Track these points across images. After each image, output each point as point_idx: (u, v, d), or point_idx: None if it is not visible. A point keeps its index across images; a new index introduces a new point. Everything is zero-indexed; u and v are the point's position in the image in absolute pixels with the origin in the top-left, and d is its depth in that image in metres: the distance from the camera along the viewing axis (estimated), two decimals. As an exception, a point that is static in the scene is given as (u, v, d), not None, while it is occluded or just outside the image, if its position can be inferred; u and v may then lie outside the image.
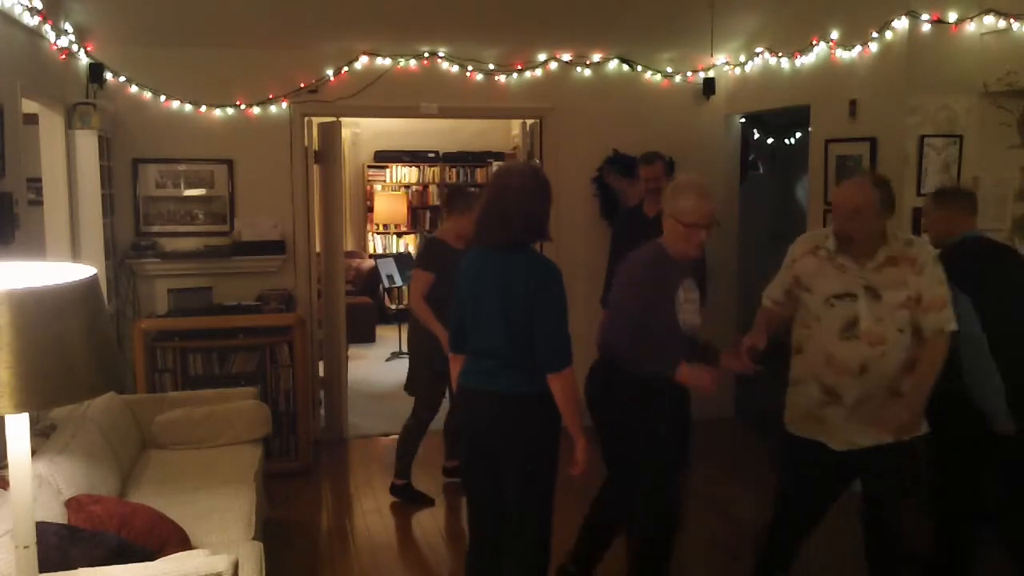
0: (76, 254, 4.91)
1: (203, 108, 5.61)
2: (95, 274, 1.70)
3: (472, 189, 6.04)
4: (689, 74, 6.24)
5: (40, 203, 4.83)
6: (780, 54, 5.67)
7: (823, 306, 3.09)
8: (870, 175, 3.33)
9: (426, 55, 5.84)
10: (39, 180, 4.82)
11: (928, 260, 3.04)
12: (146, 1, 5.16)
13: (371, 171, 10.78)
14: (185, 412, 4.40)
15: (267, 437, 4.58)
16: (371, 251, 10.71)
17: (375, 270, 9.42)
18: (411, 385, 4.94)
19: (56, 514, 2.78)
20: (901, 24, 4.67)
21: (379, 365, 8.24)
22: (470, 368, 3.04)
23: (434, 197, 10.96)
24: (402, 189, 10.86)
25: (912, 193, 4.66)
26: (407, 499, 4.90)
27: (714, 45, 5.92)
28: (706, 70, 6.24)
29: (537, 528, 3.03)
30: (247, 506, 3.60)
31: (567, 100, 6.09)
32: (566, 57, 6.05)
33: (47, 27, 4.54)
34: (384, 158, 10.79)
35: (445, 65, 5.88)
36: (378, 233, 10.87)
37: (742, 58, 6.11)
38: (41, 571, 1.77)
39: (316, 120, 6.08)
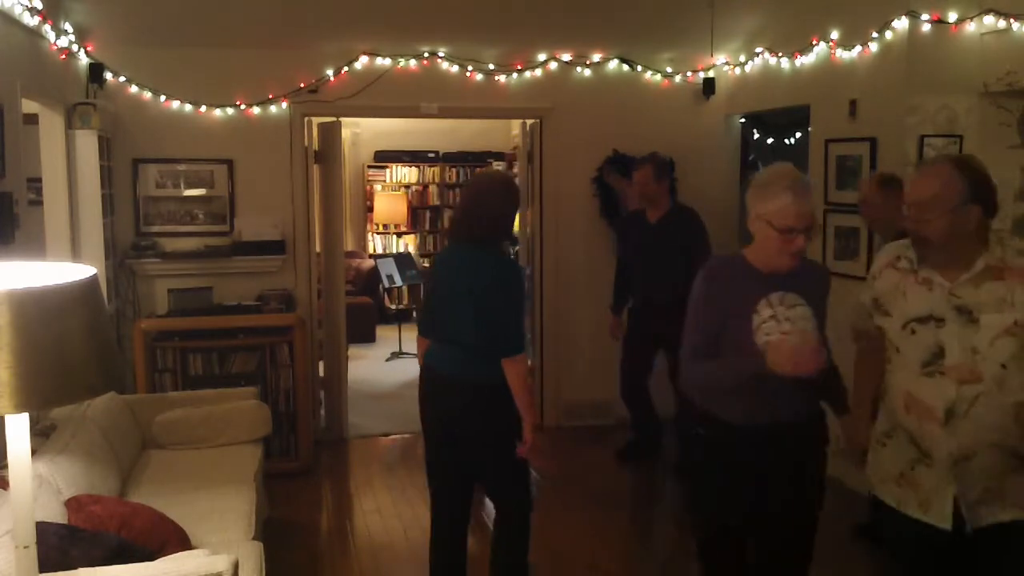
0: (76, 254, 4.91)
1: (203, 108, 5.61)
2: (95, 274, 1.69)
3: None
4: (689, 74, 6.24)
5: (40, 203, 4.83)
6: (780, 54, 5.67)
7: (902, 333, 2.42)
8: (953, 158, 2.65)
9: (426, 55, 5.84)
10: (39, 180, 4.82)
11: None
12: (146, 1, 5.16)
13: (371, 171, 10.78)
14: (185, 412, 4.40)
15: (267, 437, 4.58)
16: (371, 251, 10.71)
17: (375, 270, 9.42)
18: None
19: (56, 514, 2.78)
20: (901, 24, 4.67)
21: (379, 365, 8.24)
22: (439, 354, 3.34)
23: (434, 197, 10.96)
24: (402, 189, 10.86)
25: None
26: None
27: (714, 45, 5.92)
28: (706, 70, 6.24)
29: (523, 512, 3.36)
30: (247, 506, 3.60)
31: (567, 100, 6.09)
32: (566, 57, 6.05)
33: (47, 27, 4.54)
34: (384, 158, 10.79)
35: (445, 65, 5.88)
36: (378, 233, 10.87)
37: (742, 58, 6.11)
38: (41, 571, 1.77)
39: (316, 120, 6.08)
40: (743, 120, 6.76)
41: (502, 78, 6.00)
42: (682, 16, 5.74)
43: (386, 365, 8.26)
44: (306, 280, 5.89)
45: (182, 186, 5.68)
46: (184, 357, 5.21)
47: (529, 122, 6.35)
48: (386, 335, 9.18)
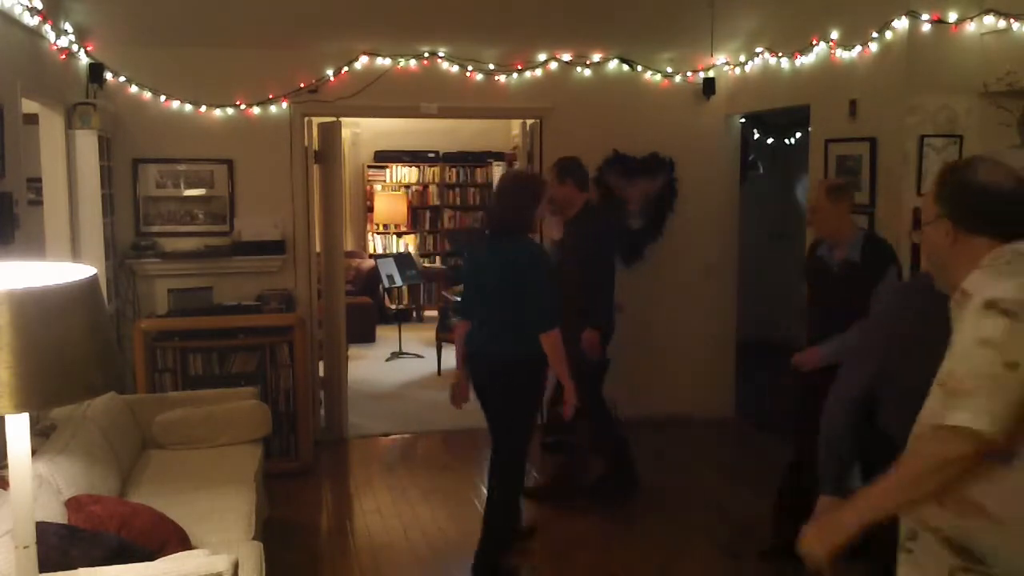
0: (76, 254, 4.91)
1: (203, 108, 5.60)
2: (95, 274, 1.70)
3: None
4: (689, 74, 6.24)
5: (40, 203, 4.83)
6: (780, 54, 5.67)
7: None
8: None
9: (426, 55, 5.84)
10: (39, 180, 4.82)
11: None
12: (146, 1, 5.16)
13: (371, 171, 10.78)
14: (185, 412, 4.40)
15: (267, 437, 4.58)
16: (371, 251, 10.71)
17: (375, 270, 9.42)
18: None
19: (56, 514, 2.78)
20: (901, 24, 4.67)
21: (379, 365, 8.24)
22: (479, 333, 3.84)
23: (434, 197, 10.97)
24: (402, 189, 10.86)
25: (912, 193, 4.66)
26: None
27: (714, 45, 5.92)
28: (706, 70, 6.24)
29: (520, 456, 3.91)
30: (247, 506, 3.60)
31: (567, 100, 6.09)
32: (566, 57, 6.05)
33: (47, 27, 4.54)
34: (384, 158, 10.79)
35: (445, 65, 5.88)
36: (378, 233, 10.87)
37: (742, 58, 6.11)
38: (41, 571, 1.77)
39: (316, 120, 6.08)
40: (743, 120, 6.77)
41: (502, 78, 6.00)
42: (682, 16, 5.74)
43: (386, 365, 8.26)
44: (306, 280, 5.89)
45: (182, 186, 5.68)
46: (184, 357, 5.21)
47: (529, 122, 6.35)
48: (386, 335, 9.18)
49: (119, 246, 5.51)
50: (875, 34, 4.82)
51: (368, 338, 9.04)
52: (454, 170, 10.92)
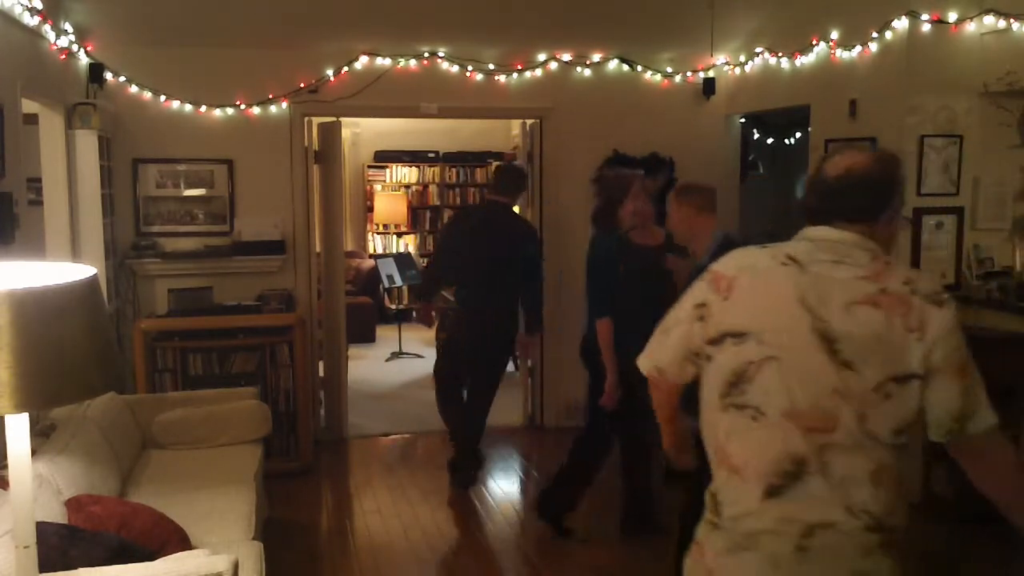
0: (76, 254, 4.91)
1: (203, 108, 5.60)
2: (95, 274, 1.70)
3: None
4: (689, 74, 6.24)
5: (40, 203, 4.82)
6: (780, 54, 5.67)
7: None
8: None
9: (426, 55, 5.84)
10: (39, 180, 4.82)
11: None
12: (146, 1, 5.16)
13: (371, 171, 10.78)
14: (185, 412, 4.40)
15: (267, 437, 4.58)
16: (371, 251, 10.71)
17: (375, 270, 9.42)
18: None
19: (56, 514, 2.78)
20: (901, 24, 4.67)
21: (379, 365, 8.24)
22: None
23: (434, 197, 10.97)
24: (402, 189, 10.86)
25: (912, 193, 4.66)
26: None
27: (714, 45, 5.92)
28: (706, 70, 6.24)
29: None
30: (247, 506, 3.60)
31: (567, 100, 6.09)
32: (566, 57, 6.05)
33: (47, 27, 4.54)
34: (384, 158, 10.79)
35: (445, 65, 5.88)
36: (378, 233, 10.87)
37: (742, 58, 6.11)
38: (41, 571, 1.77)
39: (316, 120, 6.08)
40: (743, 120, 6.76)
41: (502, 78, 6.00)
42: (682, 16, 5.74)
43: (386, 365, 8.26)
44: (306, 280, 5.89)
45: (182, 186, 5.67)
46: (184, 357, 5.21)
47: (529, 122, 6.35)
48: (386, 335, 9.18)
49: (119, 246, 5.51)
50: (875, 34, 4.82)
51: (368, 338, 9.04)
52: (454, 170, 10.91)
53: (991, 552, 4.20)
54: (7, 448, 1.69)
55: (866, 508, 1.74)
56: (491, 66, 5.96)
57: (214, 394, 4.63)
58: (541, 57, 6.02)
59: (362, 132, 10.61)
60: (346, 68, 5.75)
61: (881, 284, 1.76)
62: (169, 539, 2.96)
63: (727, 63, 6.23)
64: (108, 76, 5.42)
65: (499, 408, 5.92)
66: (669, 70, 6.22)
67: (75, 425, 3.57)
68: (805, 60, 5.45)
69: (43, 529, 2.36)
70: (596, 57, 6.09)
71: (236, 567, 2.49)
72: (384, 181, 10.82)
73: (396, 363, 8.33)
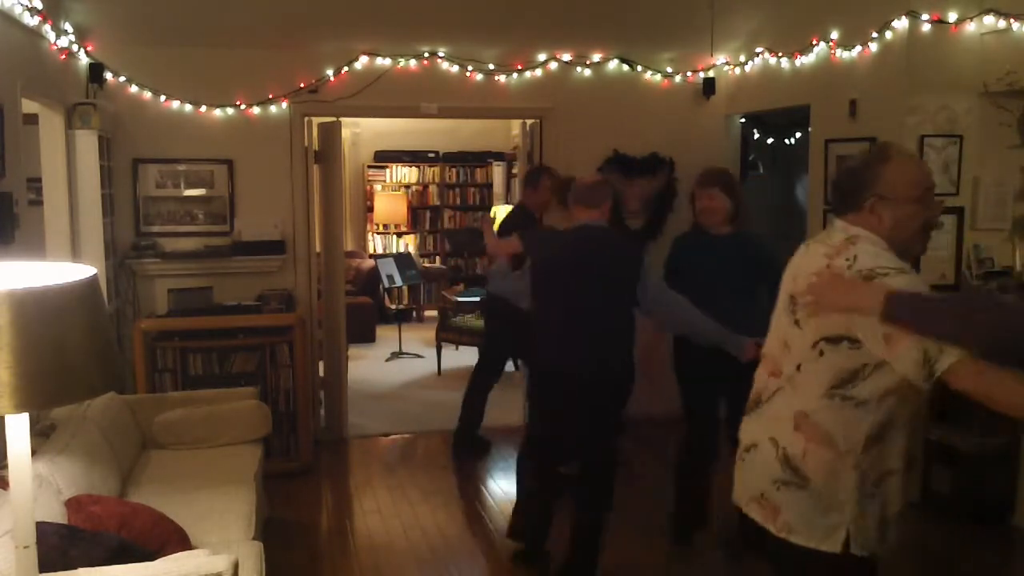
0: (76, 254, 4.91)
1: (203, 108, 5.60)
2: (95, 274, 1.70)
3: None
4: (689, 74, 6.24)
5: (40, 203, 4.82)
6: (780, 54, 5.67)
7: None
8: None
9: (426, 55, 5.84)
10: (39, 180, 4.82)
11: None
12: (146, 1, 5.16)
13: (371, 171, 10.78)
14: (185, 412, 4.40)
15: (267, 437, 4.58)
16: (371, 251, 10.71)
17: (375, 270, 9.42)
18: None
19: (56, 514, 2.78)
20: (901, 24, 4.67)
21: (379, 365, 8.24)
22: None
23: (434, 197, 10.97)
24: (402, 189, 10.86)
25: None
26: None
27: (714, 45, 5.92)
28: (706, 70, 6.24)
29: None
30: (247, 506, 3.60)
31: (567, 100, 6.09)
32: (566, 57, 6.05)
33: (47, 27, 4.54)
34: (384, 158, 10.79)
35: (445, 65, 5.88)
36: (378, 233, 10.87)
37: (742, 58, 6.11)
38: (41, 571, 1.77)
39: (316, 120, 6.08)
40: (743, 120, 6.76)
41: (502, 78, 6.00)
42: (682, 16, 5.74)
43: (386, 365, 8.26)
44: (306, 280, 5.89)
45: (182, 186, 5.67)
46: (184, 357, 5.21)
47: (529, 122, 6.35)
48: (386, 335, 9.18)
49: (119, 246, 5.51)
50: (875, 34, 4.82)
51: (368, 338, 9.04)
52: (454, 170, 10.92)
53: (991, 552, 4.20)
54: (7, 448, 1.69)
55: (783, 444, 2.13)
56: (491, 66, 5.96)
57: (214, 394, 4.63)
58: (541, 57, 6.02)
59: (362, 132, 10.62)
60: (346, 68, 5.75)
61: (831, 260, 2.07)
62: (169, 539, 2.96)
63: (727, 63, 6.23)
64: (108, 76, 5.42)
65: (499, 408, 5.93)
66: (669, 70, 6.22)
67: (75, 425, 3.57)
68: (805, 60, 5.44)
69: (43, 529, 2.36)
70: (596, 57, 6.09)
71: (236, 567, 2.49)
72: (384, 181, 10.82)
73: (396, 363, 8.33)
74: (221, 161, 5.69)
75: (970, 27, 4.64)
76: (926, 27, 4.62)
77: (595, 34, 5.93)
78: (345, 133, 9.13)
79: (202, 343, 5.21)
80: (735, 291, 3.96)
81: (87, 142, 4.96)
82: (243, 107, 5.65)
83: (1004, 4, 4.58)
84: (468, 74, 5.92)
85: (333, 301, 6.10)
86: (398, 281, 9.16)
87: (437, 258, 11.01)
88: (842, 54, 5.09)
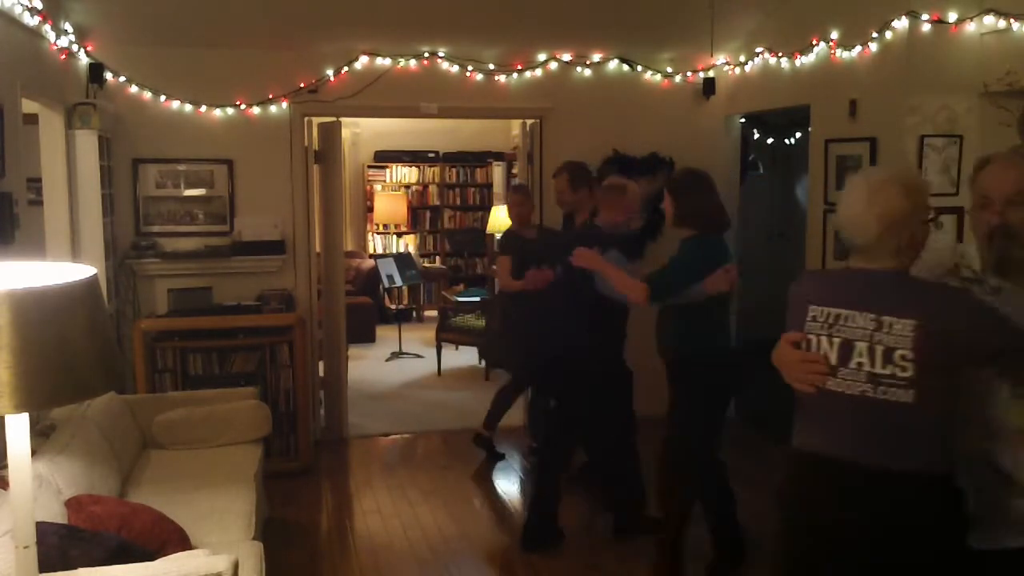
0: (76, 254, 4.91)
1: (203, 108, 5.60)
2: (95, 274, 1.70)
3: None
4: (689, 74, 6.24)
5: (40, 203, 4.82)
6: (780, 54, 5.67)
7: None
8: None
9: (426, 55, 5.84)
10: (39, 180, 4.82)
11: None
12: (146, 1, 5.16)
13: (371, 171, 10.78)
14: (185, 412, 4.40)
15: (267, 437, 4.58)
16: (371, 251, 10.71)
17: (375, 270, 9.42)
18: None
19: (56, 514, 2.78)
20: (901, 24, 4.67)
21: (379, 365, 8.24)
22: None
23: (434, 197, 10.97)
24: (402, 189, 10.86)
25: (912, 193, 4.65)
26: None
27: (714, 45, 5.92)
28: (706, 70, 6.24)
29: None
30: (247, 506, 3.60)
31: (567, 100, 6.08)
32: (566, 57, 6.05)
33: (47, 27, 4.54)
34: (384, 158, 10.79)
35: (445, 65, 5.88)
36: (378, 233, 10.87)
37: (742, 58, 6.10)
38: (41, 571, 1.77)
39: (316, 120, 6.08)
40: (743, 120, 6.76)
41: (502, 78, 5.99)
42: (682, 16, 5.74)
43: (386, 365, 8.26)
44: (306, 280, 5.88)
45: (182, 186, 5.67)
46: (184, 357, 5.21)
47: (529, 122, 6.34)
48: (386, 335, 9.18)
49: (119, 246, 5.51)
50: (875, 34, 4.82)
51: (368, 338, 9.04)
52: (454, 170, 10.92)
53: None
54: (7, 448, 1.69)
55: None
56: (491, 66, 5.95)
57: (214, 394, 4.63)
58: (541, 57, 6.02)
59: (362, 132, 10.62)
60: (346, 68, 5.75)
61: None
62: (169, 539, 2.96)
63: (727, 63, 6.23)
64: (108, 76, 5.41)
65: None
66: (669, 70, 6.22)
67: (75, 425, 3.57)
68: (805, 60, 5.44)
69: (43, 529, 2.36)
70: (596, 57, 6.09)
71: (236, 567, 2.49)
72: (384, 181, 10.82)
73: (396, 363, 8.33)
74: (221, 161, 5.69)
75: (970, 27, 4.64)
76: (926, 27, 4.62)
77: (595, 34, 5.93)
78: (345, 133, 9.12)
79: (202, 343, 5.21)
80: None
81: (87, 142, 4.95)
82: (243, 107, 5.65)
83: (1004, 4, 4.58)
84: (468, 74, 5.92)
85: (333, 301, 6.10)
86: (398, 281, 9.16)
87: (437, 258, 11.01)
88: (842, 54, 5.09)
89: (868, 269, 2.15)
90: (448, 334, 8.02)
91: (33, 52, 4.41)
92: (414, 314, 10.57)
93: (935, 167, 4.68)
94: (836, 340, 2.10)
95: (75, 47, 5.09)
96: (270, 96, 5.68)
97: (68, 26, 4.98)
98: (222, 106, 5.62)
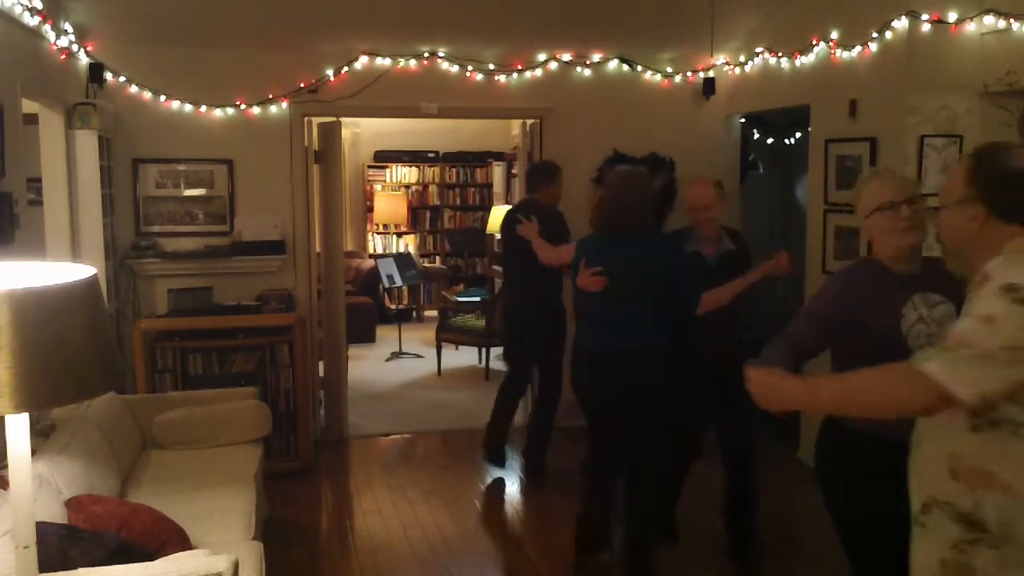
0: (76, 254, 4.91)
1: (203, 108, 5.60)
2: (95, 274, 1.70)
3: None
4: (689, 74, 6.24)
5: (40, 203, 4.82)
6: (780, 54, 5.67)
7: None
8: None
9: (426, 55, 5.84)
10: (39, 180, 4.82)
11: None
12: (146, 1, 5.16)
13: (371, 171, 10.78)
14: (185, 412, 4.40)
15: (267, 437, 4.58)
16: (371, 251, 10.71)
17: (375, 270, 9.42)
18: None
19: (56, 514, 2.78)
20: (901, 24, 4.67)
21: (379, 365, 8.24)
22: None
23: (434, 197, 10.97)
24: (402, 189, 10.86)
25: (912, 193, 4.65)
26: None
27: (714, 45, 5.92)
28: (706, 70, 6.24)
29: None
30: (247, 506, 3.60)
31: (567, 100, 6.09)
32: (566, 57, 6.05)
33: (47, 27, 4.54)
34: (384, 158, 10.79)
35: (445, 65, 5.88)
36: (378, 233, 10.87)
37: (742, 58, 6.11)
38: (41, 571, 1.77)
39: (316, 120, 6.08)
40: (743, 120, 6.76)
41: (502, 78, 6.00)
42: (682, 16, 5.74)
43: (386, 365, 8.26)
44: (306, 280, 5.89)
45: (182, 186, 5.68)
46: (184, 357, 5.21)
47: (529, 122, 6.34)
48: (386, 335, 9.18)
49: (119, 246, 5.51)
50: (875, 34, 4.82)
51: (368, 338, 9.04)
52: (454, 170, 10.92)
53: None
54: (7, 448, 1.69)
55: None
56: (491, 66, 5.96)
57: (214, 394, 4.63)
58: (541, 57, 6.02)
59: (362, 132, 10.62)
60: (346, 68, 5.75)
61: None
62: (169, 539, 2.96)
63: (727, 63, 6.23)
64: (108, 76, 5.42)
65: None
66: (669, 70, 6.22)
67: (75, 425, 3.57)
68: (805, 60, 5.44)
69: (43, 529, 2.36)
70: (596, 57, 6.09)
71: (236, 567, 2.49)
72: (384, 181, 10.82)
73: (396, 363, 8.33)
74: (221, 161, 5.69)
75: (970, 27, 4.64)
76: (926, 27, 4.62)
77: (595, 34, 5.93)
78: (345, 133, 9.12)
79: (202, 343, 5.21)
80: None
81: (87, 142, 4.96)
82: (243, 107, 5.65)
83: (1004, 4, 4.58)
84: (468, 74, 5.92)
85: (333, 301, 6.10)
86: (398, 281, 9.16)
87: (437, 258, 11.01)
88: (842, 54, 5.09)
89: None
90: (448, 334, 8.02)
91: (33, 52, 4.41)
92: (414, 314, 10.57)
93: (935, 167, 4.68)
94: None
95: (75, 47, 5.09)
96: (270, 96, 5.68)
97: (68, 26, 4.98)
98: (222, 106, 5.62)
